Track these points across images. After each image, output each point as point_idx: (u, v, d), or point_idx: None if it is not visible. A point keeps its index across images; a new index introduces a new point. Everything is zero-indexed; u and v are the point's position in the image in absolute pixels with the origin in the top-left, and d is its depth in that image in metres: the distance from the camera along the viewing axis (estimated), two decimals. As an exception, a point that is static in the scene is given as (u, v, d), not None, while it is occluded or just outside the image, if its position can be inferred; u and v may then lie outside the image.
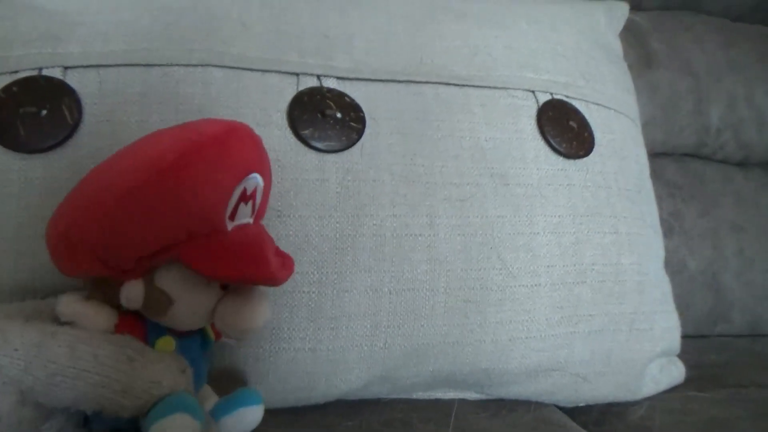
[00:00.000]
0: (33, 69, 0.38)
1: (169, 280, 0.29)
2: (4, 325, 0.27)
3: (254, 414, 0.33)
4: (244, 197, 0.30)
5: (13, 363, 0.25)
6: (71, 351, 0.27)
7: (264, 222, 0.37)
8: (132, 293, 0.30)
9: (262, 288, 0.31)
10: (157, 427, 0.27)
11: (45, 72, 0.38)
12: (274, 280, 0.29)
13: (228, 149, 0.29)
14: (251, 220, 0.32)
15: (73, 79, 0.38)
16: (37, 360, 0.26)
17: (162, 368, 0.29)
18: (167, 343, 0.31)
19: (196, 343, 0.33)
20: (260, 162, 0.31)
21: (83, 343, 0.28)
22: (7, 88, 0.37)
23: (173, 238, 0.28)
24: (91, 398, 0.27)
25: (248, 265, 0.28)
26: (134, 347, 0.29)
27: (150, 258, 0.29)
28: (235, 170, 0.29)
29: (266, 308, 0.30)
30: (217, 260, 0.28)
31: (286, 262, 0.30)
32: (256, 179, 0.31)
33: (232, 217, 0.30)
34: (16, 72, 0.38)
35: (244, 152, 0.30)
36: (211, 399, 0.34)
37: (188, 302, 0.30)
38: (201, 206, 0.28)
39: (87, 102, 0.38)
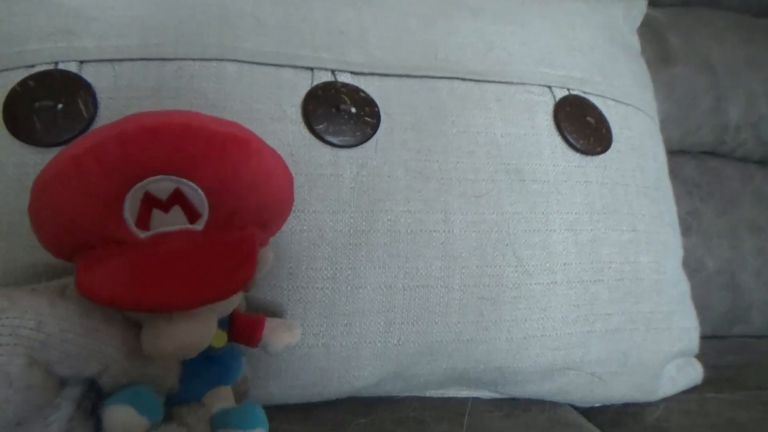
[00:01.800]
0: (49, 63, 0.38)
1: None
2: (11, 292, 0.27)
3: None
4: (157, 204, 0.26)
5: (24, 323, 0.25)
6: (83, 310, 0.27)
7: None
8: None
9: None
10: (105, 411, 0.27)
11: (61, 66, 0.38)
12: (149, 307, 0.25)
13: (115, 152, 0.26)
14: (198, 227, 0.27)
15: (88, 74, 0.38)
16: (48, 318, 0.26)
17: None
18: None
19: None
20: (173, 162, 0.26)
21: (93, 307, 0.28)
22: (24, 82, 0.37)
23: (71, 243, 0.27)
24: (98, 357, 0.27)
25: (117, 290, 0.25)
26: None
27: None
28: (115, 179, 0.26)
29: (184, 330, 0.26)
30: (93, 281, 0.25)
31: (197, 291, 0.25)
32: (162, 182, 0.26)
33: (144, 225, 0.26)
34: (32, 66, 0.38)
35: (141, 153, 0.26)
36: (223, 403, 0.33)
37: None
38: (70, 219, 0.26)
39: (102, 96, 0.38)
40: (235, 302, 0.32)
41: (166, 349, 0.26)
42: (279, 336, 0.34)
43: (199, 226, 0.27)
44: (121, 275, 0.25)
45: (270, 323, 0.34)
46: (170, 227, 0.27)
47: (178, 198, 0.27)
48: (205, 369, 0.32)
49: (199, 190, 0.27)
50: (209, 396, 0.32)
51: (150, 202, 0.26)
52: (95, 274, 0.26)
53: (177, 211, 0.27)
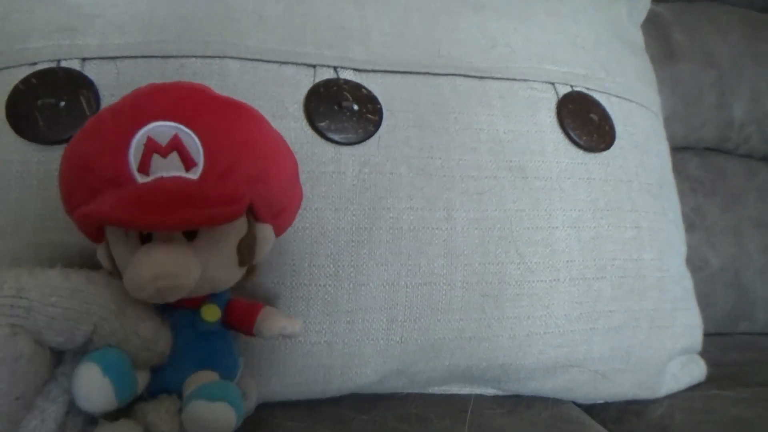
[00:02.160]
0: (51, 61, 0.38)
1: (110, 240, 0.30)
2: None
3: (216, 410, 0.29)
4: (157, 148, 0.29)
5: (3, 291, 0.26)
6: (64, 275, 0.28)
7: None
8: (99, 256, 0.31)
9: (177, 243, 0.29)
10: (77, 368, 0.28)
11: (63, 64, 0.38)
12: (123, 222, 0.27)
13: (127, 104, 0.30)
14: (192, 176, 0.29)
15: (91, 71, 0.38)
16: (28, 285, 0.27)
17: (145, 312, 0.30)
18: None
19: (185, 318, 0.32)
20: (175, 110, 0.29)
21: (75, 272, 0.29)
22: (26, 80, 0.37)
23: (83, 191, 0.29)
24: (85, 318, 0.28)
25: (101, 209, 0.27)
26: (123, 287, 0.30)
27: None
28: (124, 124, 0.29)
29: (159, 259, 0.28)
30: (85, 208, 0.27)
31: (173, 216, 0.27)
32: (162, 127, 0.29)
33: (145, 170, 0.29)
34: (34, 64, 0.38)
35: (147, 104, 0.30)
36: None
37: (117, 257, 0.30)
38: (86, 165, 0.29)
39: (105, 93, 0.38)
40: (223, 275, 0.31)
41: (144, 274, 0.27)
42: (275, 320, 0.33)
43: (194, 175, 0.29)
44: (110, 201, 0.27)
45: (268, 309, 0.33)
46: (167, 173, 0.29)
47: (176, 144, 0.29)
48: (195, 345, 0.32)
49: (196, 138, 0.29)
50: (193, 378, 0.31)
51: (151, 147, 0.29)
52: (89, 206, 0.28)
53: (174, 157, 0.29)
